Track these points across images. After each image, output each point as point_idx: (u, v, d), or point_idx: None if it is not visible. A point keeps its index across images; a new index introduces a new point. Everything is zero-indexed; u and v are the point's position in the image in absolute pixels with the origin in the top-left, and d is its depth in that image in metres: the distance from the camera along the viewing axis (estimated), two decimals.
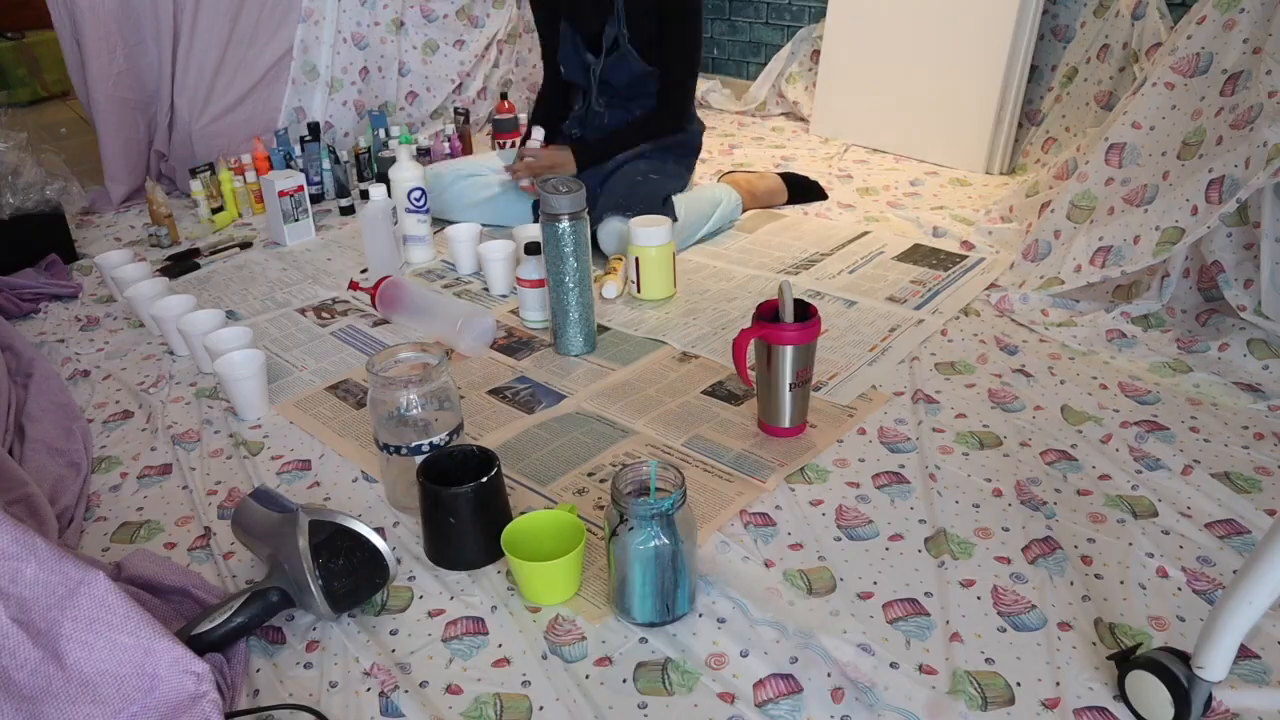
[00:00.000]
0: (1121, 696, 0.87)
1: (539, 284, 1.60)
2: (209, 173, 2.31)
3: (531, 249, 1.59)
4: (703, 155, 2.67)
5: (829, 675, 0.92)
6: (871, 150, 2.72)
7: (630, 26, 1.89)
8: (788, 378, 1.25)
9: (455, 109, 2.67)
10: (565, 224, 1.43)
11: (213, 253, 2.07)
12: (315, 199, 2.35)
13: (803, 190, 2.29)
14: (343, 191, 2.41)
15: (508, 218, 2.10)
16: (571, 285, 1.49)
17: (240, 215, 2.34)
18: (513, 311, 1.73)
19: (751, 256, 1.96)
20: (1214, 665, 0.78)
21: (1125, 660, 0.87)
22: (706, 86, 3.27)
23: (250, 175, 2.32)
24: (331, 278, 1.94)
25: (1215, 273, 1.47)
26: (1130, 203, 1.59)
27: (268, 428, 1.39)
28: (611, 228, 1.86)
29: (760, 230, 2.10)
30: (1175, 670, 0.81)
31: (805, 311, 1.25)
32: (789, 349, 1.23)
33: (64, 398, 1.46)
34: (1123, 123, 1.63)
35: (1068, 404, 1.37)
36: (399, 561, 1.10)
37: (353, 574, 0.99)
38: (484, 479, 1.05)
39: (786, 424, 1.30)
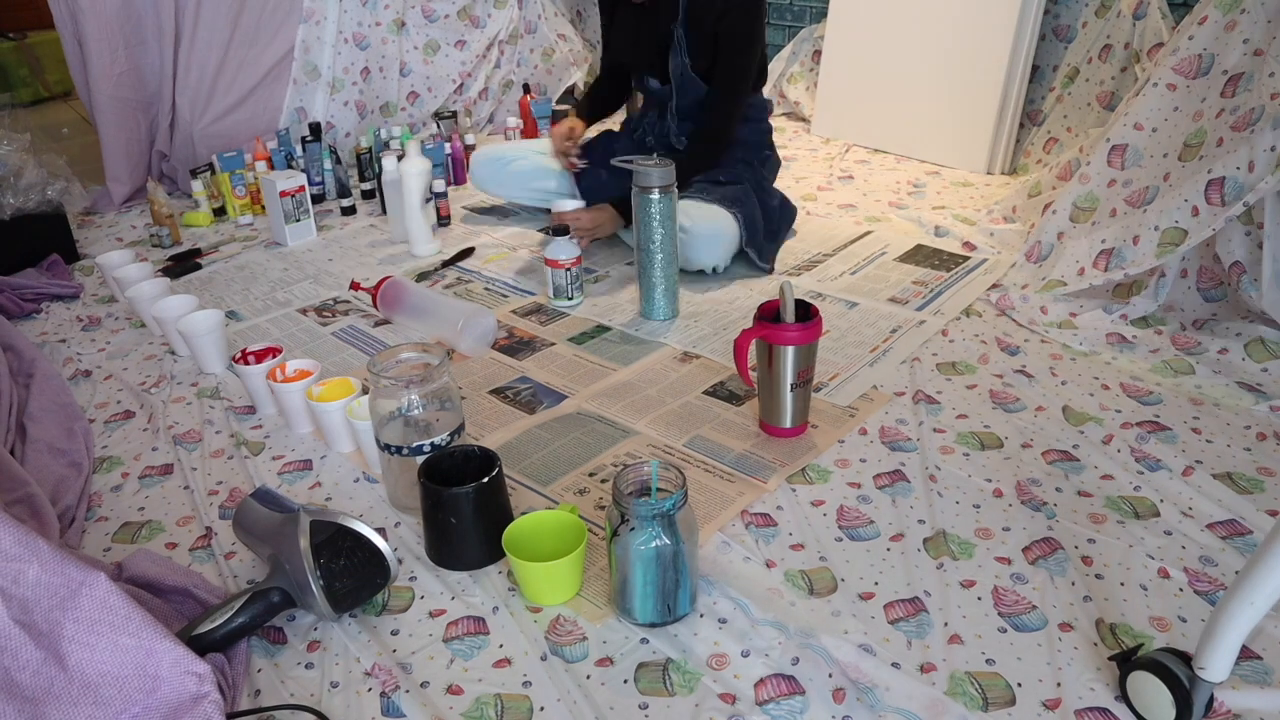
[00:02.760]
0: (1123, 697, 0.87)
1: (574, 263, 1.71)
2: (210, 173, 2.31)
3: (559, 230, 1.69)
4: None
5: (830, 676, 0.92)
6: (872, 150, 2.72)
7: (693, 56, 1.85)
8: (789, 378, 1.25)
9: (437, 114, 2.66)
10: (656, 195, 1.56)
11: (209, 251, 2.07)
12: (316, 199, 2.35)
13: None
14: (343, 192, 2.41)
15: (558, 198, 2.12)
16: (659, 253, 1.60)
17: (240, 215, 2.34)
18: (515, 312, 1.73)
19: None
20: (1216, 666, 0.78)
21: (1126, 661, 0.87)
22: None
23: (250, 175, 2.32)
24: (332, 277, 1.94)
25: (1238, 274, 1.46)
26: (1132, 204, 1.59)
27: (269, 428, 1.39)
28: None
29: None
30: (1177, 671, 0.81)
31: (806, 312, 1.25)
32: (790, 349, 1.23)
33: (65, 398, 1.46)
34: (1124, 124, 1.63)
35: (1069, 404, 1.37)
36: (400, 562, 1.10)
37: (354, 574, 0.99)
38: (485, 479, 1.05)
39: (788, 424, 1.30)
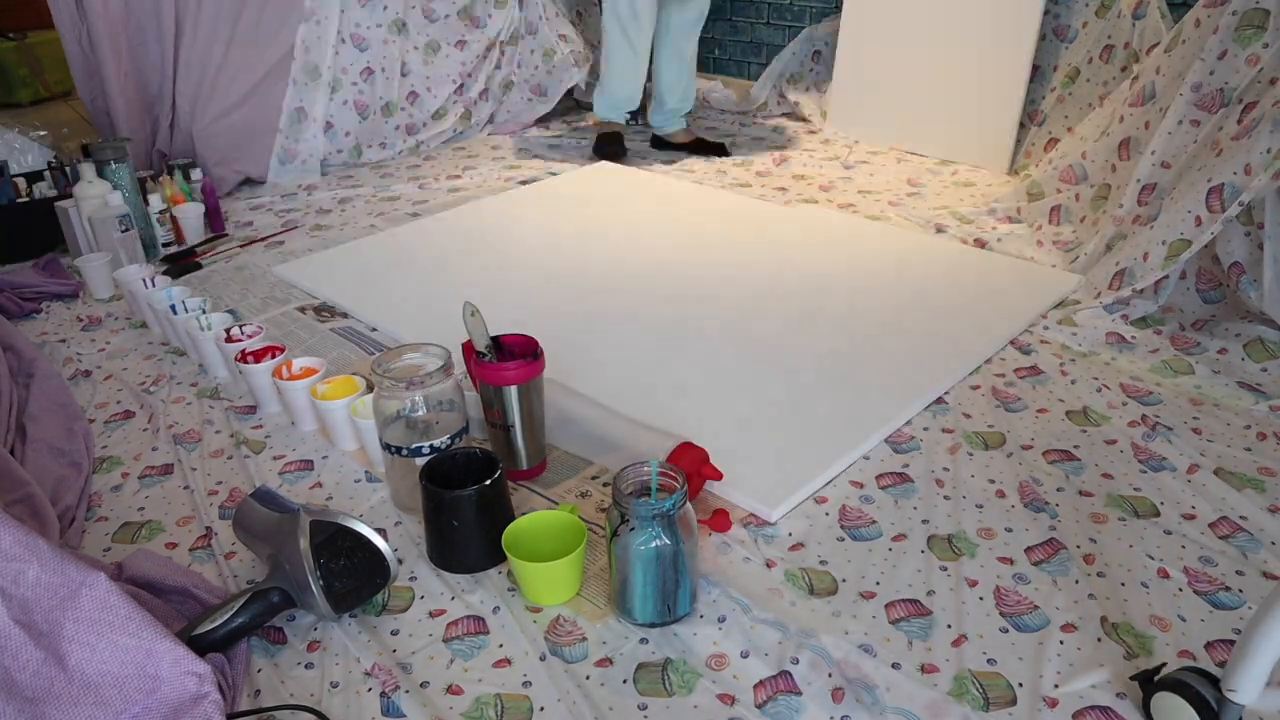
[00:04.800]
0: (1147, 717, 0.86)
1: None
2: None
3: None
4: (708, 156, 2.69)
5: (830, 675, 0.92)
6: (874, 151, 2.72)
7: None
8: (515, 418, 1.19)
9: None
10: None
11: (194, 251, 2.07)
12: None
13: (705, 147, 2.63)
14: None
15: None
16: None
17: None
18: None
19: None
20: (1246, 689, 0.76)
21: (1149, 682, 0.85)
22: (708, 87, 3.27)
23: None
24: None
25: (1237, 275, 1.46)
26: (1141, 224, 1.61)
27: (270, 427, 1.39)
28: None
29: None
30: (1204, 693, 0.79)
31: (526, 349, 1.20)
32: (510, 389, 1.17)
33: (65, 398, 1.46)
34: (1152, 163, 1.64)
35: (1071, 405, 1.37)
36: (400, 562, 1.10)
37: (354, 574, 0.99)
38: (488, 482, 1.05)
39: (524, 466, 1.23)
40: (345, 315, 1.75)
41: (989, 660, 0.93)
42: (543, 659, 0.95)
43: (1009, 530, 1.12)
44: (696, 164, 2.62)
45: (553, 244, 2.03)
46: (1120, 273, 1.60)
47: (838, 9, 2.93)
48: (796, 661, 0.93)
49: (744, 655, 0.94)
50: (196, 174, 2.19)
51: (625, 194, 2.36)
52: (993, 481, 1.21)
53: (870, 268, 1.85)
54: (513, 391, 1.17)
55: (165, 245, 2.12)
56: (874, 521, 1.14)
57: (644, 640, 0.97)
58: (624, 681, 0.92)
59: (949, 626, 0.97)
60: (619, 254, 1.96)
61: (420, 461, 1.10)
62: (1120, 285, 1.59)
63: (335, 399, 1.29)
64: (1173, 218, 1.51)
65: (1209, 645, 0.94)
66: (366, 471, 1.27)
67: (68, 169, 2.12)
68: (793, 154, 2.70)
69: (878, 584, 1.04)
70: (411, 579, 1.07)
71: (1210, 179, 1.45)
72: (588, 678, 0.93)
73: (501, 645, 0.97)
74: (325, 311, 1.78)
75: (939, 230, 2.04)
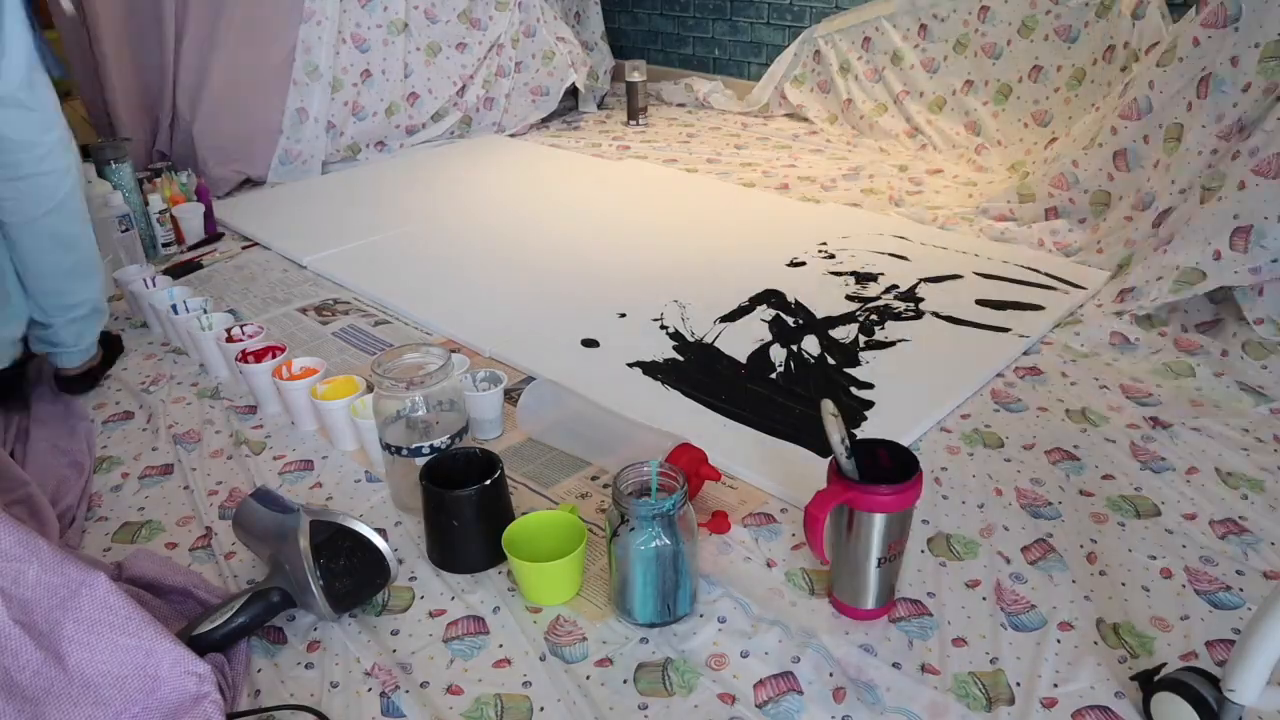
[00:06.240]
0: (1146, 717, 0.86)
1: None
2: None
3: None
4: (714, 155, 2.68)
5: (830, 675, 0.92)
6: (879, 150, 2.72)
7: None
8: (875, 552, 0.94)
9: None
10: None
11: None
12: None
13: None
14: None
15: None
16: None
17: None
18: None
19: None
20: (1246, 689, 0.76)
21: (1150, 682, 0.85)
22: (709, 87, 3.27)
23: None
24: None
25: None
26: (1155, 250, 1.60)
27: (270, 427, 1.39)
28: None
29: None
30: (1204, 693, 0.79)
31: (900, 458, 0.95)
32: (878, 517, 0.93)
33: (67, 397, 1.46)
34: (1171, 190, 1.64)
35: (1071, 405, 1.37)
36: (400, 562, 1.10)
37: (354, 574, 0.99)
38: (487, 481, 1.05)
39: (869, 604, 0.99)
40: (347, 312, 1.76)
41: (990, 660, 0.93)
42: (543, 659, 0.95)
43: (1008, 530, 1.12)
44: (697, 162, 2.62)
45: (564, 240, 2.03)
46: (1127, 290, 1.60)
47: (838, 8, 2.94)
48: (797, 661, 0.93)
49: (744, 655, 0.94)
50: (183, 176, 2.19)
51: (628, 191, 2.36)
52: (992, 480, 1.21)
53: (880, 266, 1.85)
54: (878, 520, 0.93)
55: (165, 245, 2.12)
56: None
57: (644, 640, 0.97)
58: (624, 681, 0.92)
59: (949, 623, 0.97)
60: (621, 252, 1.97)
61: (420, 461, 1.10)
62: (1125, 300, 1.59)
63: (335, 399, 1.29)
64: (1187, 243, 1.50)
65: (1209, 645, 0.94)
66: (366, 471, 1.27)
67: None
68: (797, 154, 2.70)
69: None
70: (411, 579, 1.07)
71: (1236, 215, 1.43)
72: (588, 678, 0.93)
73: (501, 645, 0.97)
74: (327, 312, 1.78)
75: (944, 227, 2.04)
